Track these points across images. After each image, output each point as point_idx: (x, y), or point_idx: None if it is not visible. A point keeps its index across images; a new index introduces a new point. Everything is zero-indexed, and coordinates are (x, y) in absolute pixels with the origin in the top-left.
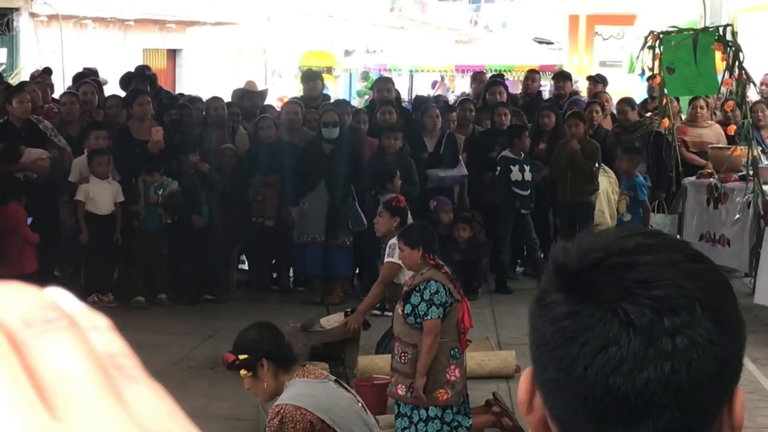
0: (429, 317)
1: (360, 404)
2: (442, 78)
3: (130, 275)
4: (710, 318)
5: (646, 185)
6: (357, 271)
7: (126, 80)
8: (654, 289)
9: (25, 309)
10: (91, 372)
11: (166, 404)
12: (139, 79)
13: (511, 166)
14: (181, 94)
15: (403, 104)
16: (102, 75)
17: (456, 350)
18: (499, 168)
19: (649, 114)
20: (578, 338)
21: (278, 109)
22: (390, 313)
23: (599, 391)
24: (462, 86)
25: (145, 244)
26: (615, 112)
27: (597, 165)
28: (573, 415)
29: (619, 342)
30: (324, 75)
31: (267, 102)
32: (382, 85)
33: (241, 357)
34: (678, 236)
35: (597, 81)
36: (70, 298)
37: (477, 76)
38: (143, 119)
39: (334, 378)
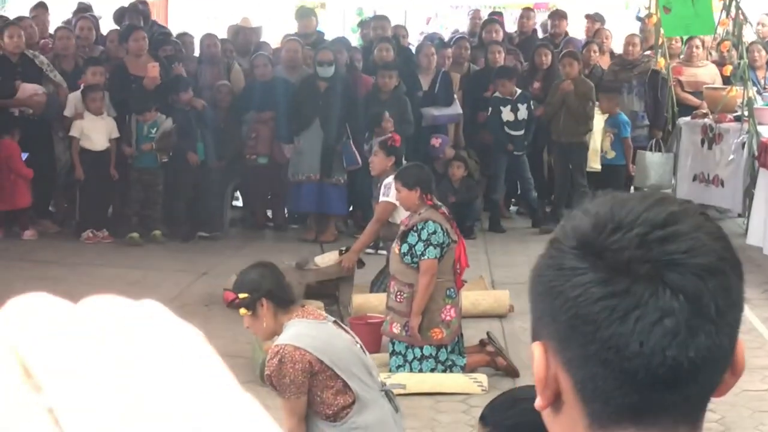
0: (426, 257)
1: (359, 345)
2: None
3: (125, 212)
4: (736, 275)
5: (638, 124)
6: (351, 209)
7: (119, 15)
8: (696, 256)
9: None
10: None
11: None
12: (133, 15)
13: (502, 107)
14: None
15: (401, 41)
16: (96, 10)
17: (452, 290)
18: (490, 108)
19: (648, 52)
20: (631, 315)
21: (273, 47)
22: (384, 252)
23: (654, 363)
24: (456, 23)
25: (139, 182)
26: (613, 49)
27: (591, 104)
28: (613, 388)
29: (674, 313)
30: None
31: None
32: (378, 23)
33: (242, 296)
34: (673, 175)
35: (595, 19)
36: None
37: (474, 14)
38: (139, 55)
39: (333, 319)
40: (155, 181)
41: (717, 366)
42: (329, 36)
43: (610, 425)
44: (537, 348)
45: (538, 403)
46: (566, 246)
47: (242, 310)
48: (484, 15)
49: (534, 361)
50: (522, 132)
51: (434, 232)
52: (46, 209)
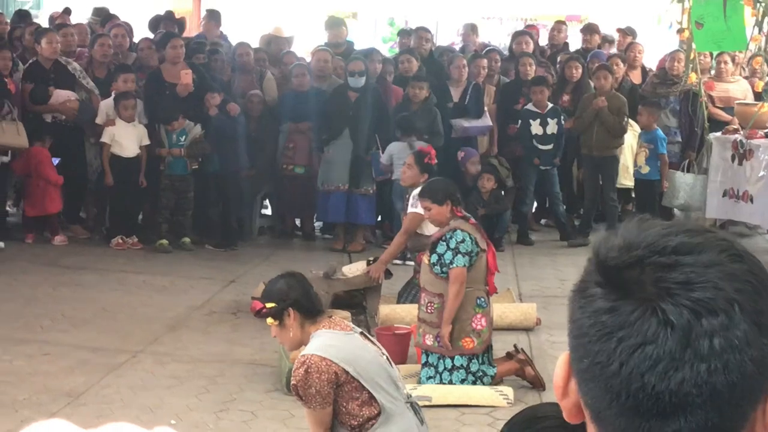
0: (455, 265)
1: (385, 357)
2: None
3: (155, 219)
4: (749, 320)
5: (671, 140)
6: (379, 219)
7: (154, 23)
8: (694, 290)
9: None
10: None
11: None
12: (168, 23)
13: (531, 120)
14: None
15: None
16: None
17: (482, 299)
18: (520, 121)
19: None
20: (615, 334)
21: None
22: (411, 263)
23: (633, 387)
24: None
25: (171, 188)
26: (645, 64)
27: (625, 119)
28: (606, 407)
29: (657, 341)
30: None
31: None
32: (406, 36)
33: (269, 305)
34: (706, 197)
35: (627, 33)
36: None
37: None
38: (175, 63)
39: (359, 330)
40: (186, 187)
41: (715, 407)
42: (359, 46)
43: None
44: (562, 356)
45: (564, 415)
46: (590, 262)
47: (269, 320)
48: (519, 27)
49: (556, 369)
50: (550, 147)
51: (462, 241)
52: (76, 215)
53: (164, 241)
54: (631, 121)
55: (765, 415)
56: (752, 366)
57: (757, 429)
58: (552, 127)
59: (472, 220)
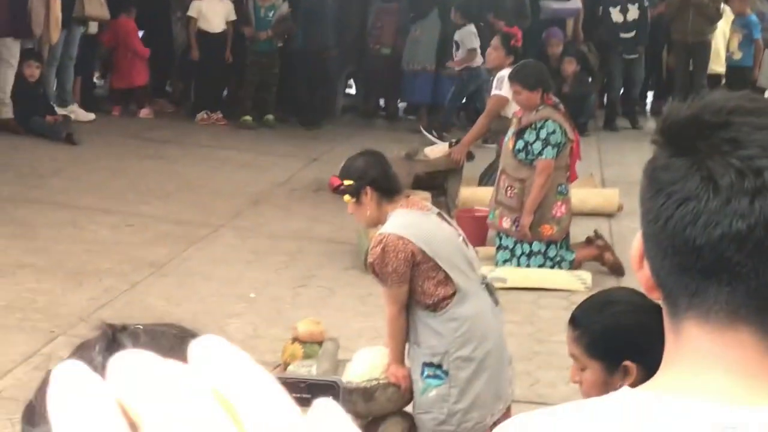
0: (543, 157)
1: (461, 237)
2: None
3: (240, 95)
4: None
5: (765, 26)
6: (464, 102)
7: None
8: (740, 149)
9: None
10: None
11: None
12: None
13: (611, 8)
14: None
15: None
16: None
17: (563, 186)
18: (601, 7)
19: None
20: (664, 190)
21: None
22: (493, 146)
23: (677, 242)
24: None
25: (257, 65)
26: None
27: (721, 4)
28: (660, 267)
29: (698, 196)
30: None
31: None
32: None
33: (346, 182)
34: None
35: None
36: None
37: None
38: None
39: (437, 211)
40: (272, 63)
41: (755, 268)
42: None
43: (677, 313)
44: (640, 231)
45: (642, 287)
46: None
47: (346, 197)
48: None
49: (633, 242)
50: (632, 34)
51: (553, 132)
52: (162, 89)
53: (248, 118)
54: (724, 5)
55: None
56: None
57: None
58: (633, 14)
59: (562, 108)
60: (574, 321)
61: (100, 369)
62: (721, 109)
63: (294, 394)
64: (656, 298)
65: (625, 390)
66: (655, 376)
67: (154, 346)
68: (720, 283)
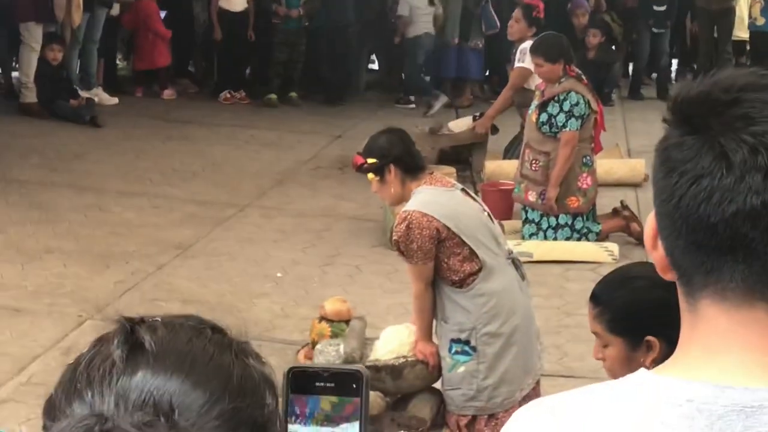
0: (567, 129)
1: (486, 213)
2: None
3: (268, 73)
4: None
5: None
6: (487, 74)
7: None
8: (753, 125)
9: None
10: None
11: None
12: None
13: None
14: None
15: None
16: None
17: (588, 158)
18: None
19: None
20: (678, 168)
21: None
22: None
23: (691, 220)
24: None
25: (285, 43)
26: None
27: None
28: (674, 246)
29: (712, 173)
30: None
31: None
32: None
33: (370, 161)
34: None
35: None
36: None
37: None
38: None
39: (461, 186)
40: (299, 40)
41: None
42: None
43: (692, 293)
44: (653, 212)
45: (657, 268)
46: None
47: (370, 175)
48: None
49: (646, 223)
50: (664, 8)
51: (577, 104)
52: (185, 69)
53: (273, 96)
54: None
55: None
56: None
57: None
58: None
59: (585, 80)
60: (595, 298)
61: (120, 362)
62: (732, 86)
63: (318, 383)
64: (671, 278)
65: (643, 372)
66: (673, 357)
67: (172, 338)
68: (735, 260)
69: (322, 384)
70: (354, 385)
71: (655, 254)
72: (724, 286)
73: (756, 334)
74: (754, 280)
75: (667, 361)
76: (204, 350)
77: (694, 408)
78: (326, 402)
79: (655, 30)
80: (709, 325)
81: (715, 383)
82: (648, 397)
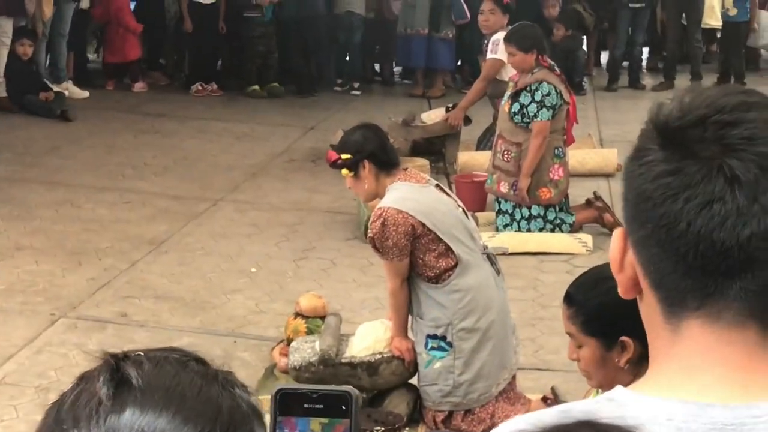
0: (539, 119)
1: (461, 208)
2: None
3: (239, 66)
4: None
5: None
6: (459, 64)
7: None
8: (758, 145)
9: None
10: None
11: None
12: None
13: None
14: None
15: None
16: None
17: (560, 149)
18: None
19: None
20: (681, 195)
21: None
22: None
23: (702, 246)
24: None
25: (263, 36)
26: None
27: None
28: (671, 271)
29: (724, 198)
30: None
31: None
32: None
33: (344, 156)
34: None
35: None
36: None
37: None
38: None
39: (435, 182)
40: (272, 32)
41: None
42: None
43: (678, 313)
44: (617, 231)
45: (620, 290)
46: (646, 128)
47: (344, 171)
48: None
49: (611, 243)
50: None
51: (548, 94)
52: (156, 61)
53: (256, 87)
54: None
55: None
56: None
57: None
58: None
59: (557, 70)
60: (569, 299)
61: (107, 400)
62: (725, 106)
63: (306, 405)
64: (632, 296)
65: (620, 390)
66: (649, 374)
67: (158, 373)
68: (743, 281)
69: (310, 405)
70: (343, 407)
71: (622, 276)
72: (721, 308)
73: (741, 352)
74: (750, 298)
75: (642, 378)
76: (191, 384)
77: (673, 427)
78: (316, 423)
79: (632, 5)
80: (691, 343)
81: (695, 401)
82: (626, 416)
